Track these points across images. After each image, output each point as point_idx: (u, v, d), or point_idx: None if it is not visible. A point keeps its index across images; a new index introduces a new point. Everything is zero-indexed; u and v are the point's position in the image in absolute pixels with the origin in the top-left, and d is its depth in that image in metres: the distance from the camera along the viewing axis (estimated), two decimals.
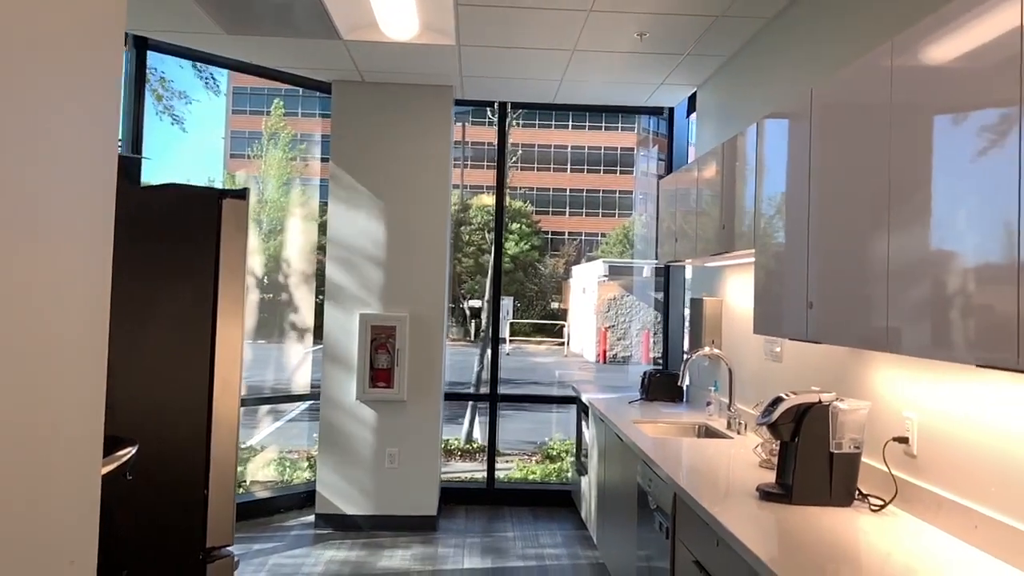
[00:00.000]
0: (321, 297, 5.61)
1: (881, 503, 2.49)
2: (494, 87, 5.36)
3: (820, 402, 2.57)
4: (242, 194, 2.40)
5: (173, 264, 2.38)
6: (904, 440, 2.49)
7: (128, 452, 1.96)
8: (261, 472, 6.43)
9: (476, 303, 16.74)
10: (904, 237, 2.00)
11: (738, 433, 3.87)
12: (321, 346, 5.30)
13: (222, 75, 6.87)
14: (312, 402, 5.77)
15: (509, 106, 5.86)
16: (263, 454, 6.72)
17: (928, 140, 1.93)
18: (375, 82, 5.24)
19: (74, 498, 1.27)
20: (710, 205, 3.72)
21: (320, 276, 5.99)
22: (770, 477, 2.91)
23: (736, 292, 4.29)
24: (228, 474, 2.36)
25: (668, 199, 4.60)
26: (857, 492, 2.55)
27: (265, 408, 6.83)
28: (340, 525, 5.13)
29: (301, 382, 6.29)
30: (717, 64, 4.62)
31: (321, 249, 6.14)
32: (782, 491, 2.58)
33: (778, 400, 2.64)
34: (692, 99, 5.44)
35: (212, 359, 2.32)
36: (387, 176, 5.25)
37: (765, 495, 2.61)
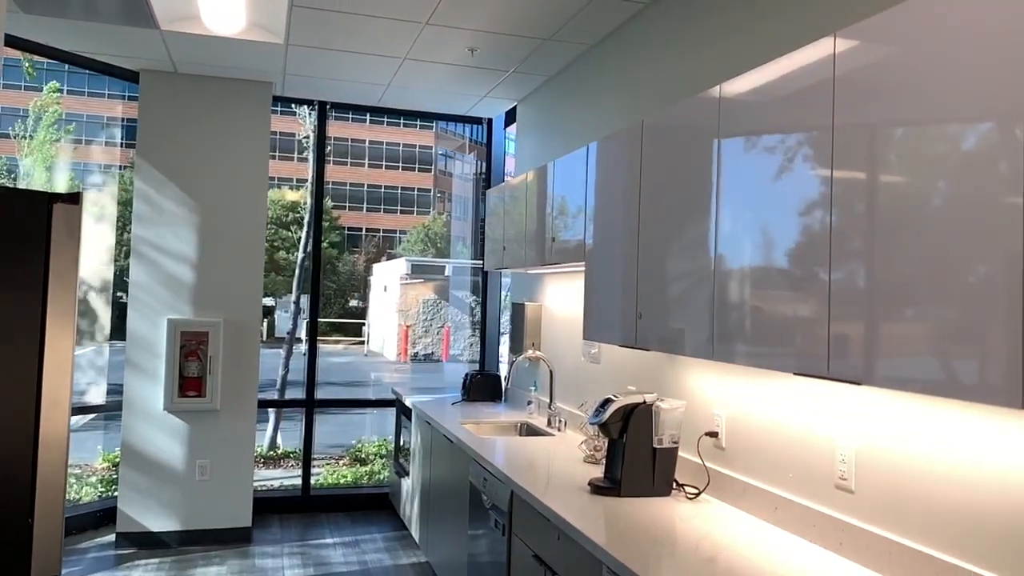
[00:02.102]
0: (121, 295, 5.21)
1: (696, 491, 2.81)
2: (317, 86, 5.27)
3: (644, 402, 2.85)
4: (75, 199, 2.22)
5: None
6: (715, 434, 2.82)
7: None
8: None
9: (269, 301, 16.10)
10: (725, 251, 2.29)
11: (559, 430, 4.13)
12: (119, 346, 4.92)
13: None
14: (109, 412, 5.34)
15: (329, 106, 5.78)
16: None
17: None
18: (189, 74, 4.96)
19: None
20: (536, 218, 3.95)
21: (119, 273, 5.56)
22: (595, 471, 3.16)
23: (555, 298, 4.56)
24: (56, 499, 2.18)
25: (494, 209, 4.79)
26: (675, 483, 2.85)
27: None
28: (145, 544, 4.81)
29: (97, 390, 5.79)
30: (539, 81, 4.88)
31: (119, 244, 5.69)
32: (611, 484, 2.83)
33: (607, 401, 2.89)
34: (511, 111, 5.68)
35: (40, 374, 2.13)
36: (200, 173, 4.99)
37: (596, 489, 2.84)
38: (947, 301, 1.53)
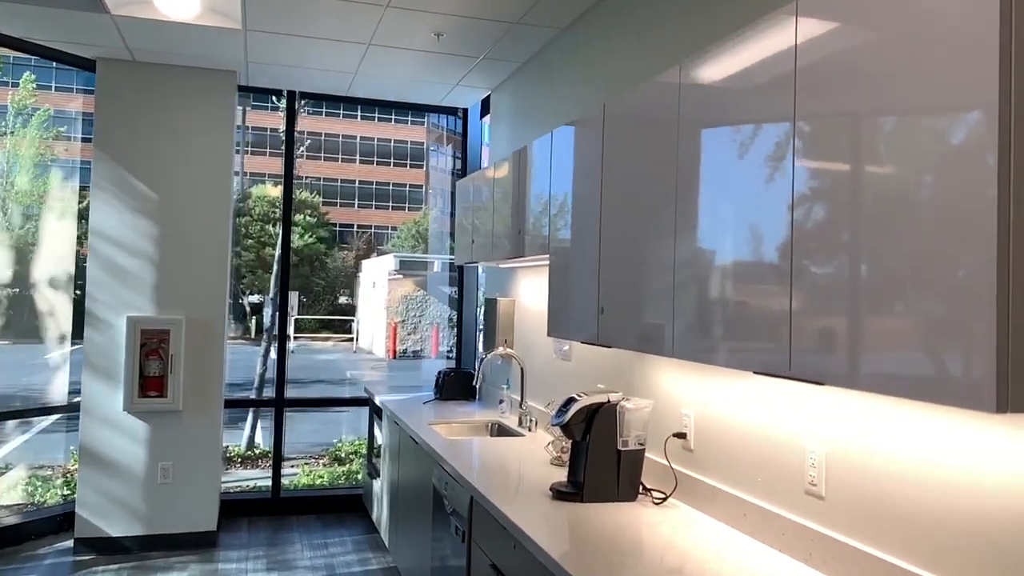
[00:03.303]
0: (80, 293, 5.03)
1: (663, 496, 2.66)
2: (283, 75, 5.09)
3: (609, 402, 2.69)
4: None
5: None
6: (683, 435, 2.67)
7: None
8: (7, 495, 5.66)
9: (256, 299, 15.93)
10: (686, 244, 2.14)
11: (529, 430, 3.98)
12: (80, 346, 4.75)
13: None
14: (70, 413, 5.16)
15: (298, 95, 5.60)
16: (9, 473, 5.92)
17: (698, 151, 2.07)
18: (148, 62, 4.77)
19: None
20: (504, 209, 3.79)
21: (80, 271, 5.38)
22: (561, 474, 3.01)
23: (528, 293, 4.41)
24: None
25: (464, 200, 4.63)
26: (641, 486, 2.70)
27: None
28: (105, 549, 4.63)
29: (57, 390, 5.62)
30: (511, 69, 4.71)
31: (80, 240, 5.51)
32: (574, 489, 2.67)
33: (570, 401, 2.73)
34: (486, 101, 5.52)
35: None
36: (160, 165, 4.81)
37: (558, 494, 2.68)
38: (914, 300, 1.38)
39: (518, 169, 3.64)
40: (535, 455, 3.42)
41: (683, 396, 2.72)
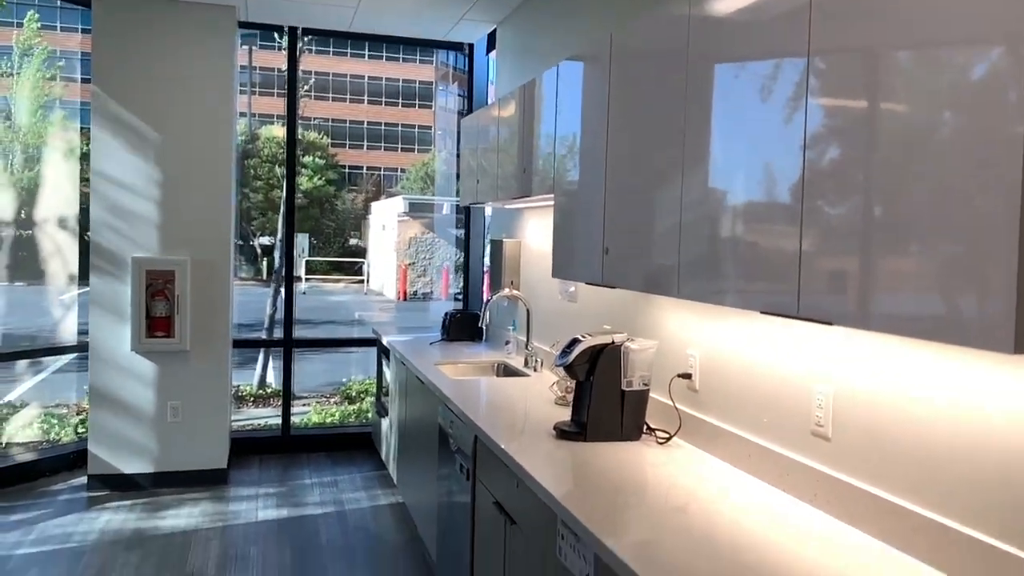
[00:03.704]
0: (88, 236, 5.01)
1: (667, 436, 2.64)
2: (283, 10, 4.96)
3: (613, 343, 2.66)
4: None
5: None
6: (688, 376, 2.64)
7: None
8: (22, 433, 5.75)
9: (267, 240, 15.90)
10: (694, 182, 2.07)
11: (535, 371, 3.97)
12: (87, 290, 4.75)
13: None
14: (81, 353, 5.19)
15: (300, 31, 5.46)
16: (24, 411, 6.01)
17: (711, 87, 1.99)
18: None
19: None
20: (510, 148, 3.70)
21: (85, 213, 5.35)
22: (566, 414, 3.00)
23: (534, 234, 4.35)
24: None
25: (469, 139, 4.54)
26: (645, 426, 2.69)
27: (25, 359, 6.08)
28: (118, 485, 4.71)
29: (67, 330, 5.65)
30: (516, 2, 4.56)
31: (85, 181, 5.47)
32: (577, 429, 2.66)
33: (575, 342, 2.70)
34: (492, 36, 5.36)
35: None
36: (161, 104, 4.72)
37: (561, 433, 2.68)
38: (931, 240, 1.32)
39: (524, 105, 3.54)
40: (540, 395, 3.41)
41: (689, 337, 2.68)
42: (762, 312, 1.76)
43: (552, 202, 3.58)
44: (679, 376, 2.67)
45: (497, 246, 4.67)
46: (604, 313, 3.38)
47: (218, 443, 4.92)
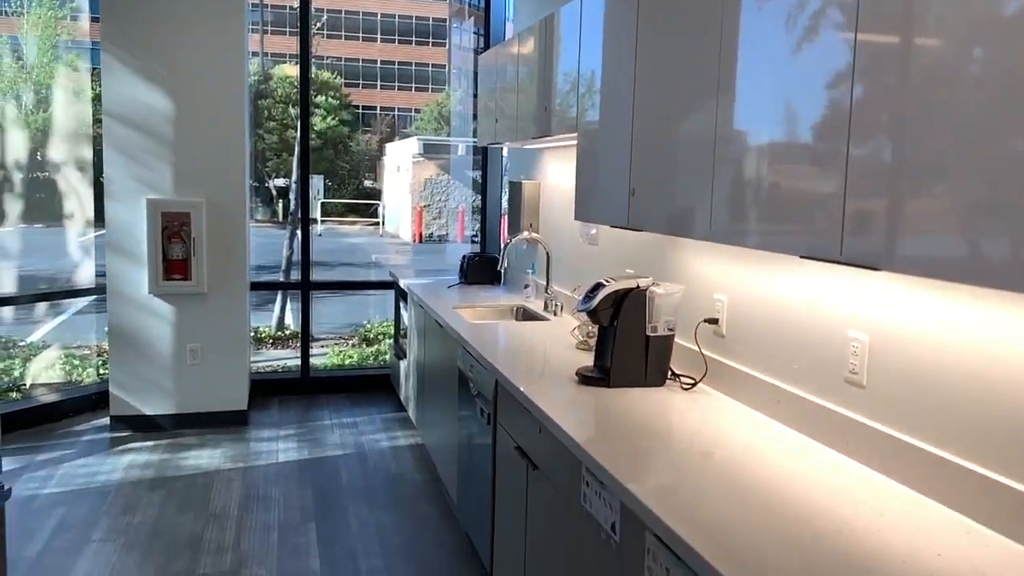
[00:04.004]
0: (102, 178, 4.97)
1: (692, 381, 2.60)
2: None
3: (638, 287, 2.59)
4: None
5: None
6: (714, 321, 2.58)
7: None
8: (45, 374, 5.81)
9: (282, 182, 15.81)
10: (728, 119, 1.97)
11: (555, 315, 3.92)
12: (103, 232, 4.72)
13: None
14: (100, 296, 5.19)
15: None
16: (46, 353, 6.06)
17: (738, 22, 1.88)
18: None
19: None
20: (530, 86, 3.58)
21: (99, 154, 5.29)
22: (587, 359, 2.96)
23: (554, 175, 4.25)
24: None
25: (487, 77, 4.41)
26: (670, 372, 2.64)
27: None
28: (139, 426, 4.76)
29: (85, 273, 5.65)
30: None
31: (98, 123, 5.39)
32: (600, 374, 2.62)
33: (598, 286, 2.64)
34: None
35: None
36: (171, 42, 4.60)
37: (584, 379, 2.63)
38: (979, 177, 1.23)
39: (544, 41, 3.41)
40: (561, 339, 3.37)
41: (716, 281, 2.61)
42: (803, 257, 1.68)
43: (574, 142, 3.49)
44: (705, 321, 2.60)
45: (516, 188, 4.58)
46: (626, 257, 3.31)
47: (238, 385, 4.94)
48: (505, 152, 5.59)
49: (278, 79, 16.43)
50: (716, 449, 2.03)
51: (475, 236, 6.18)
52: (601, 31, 2.79)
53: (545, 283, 4.11)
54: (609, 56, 2.73)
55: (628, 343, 2.58)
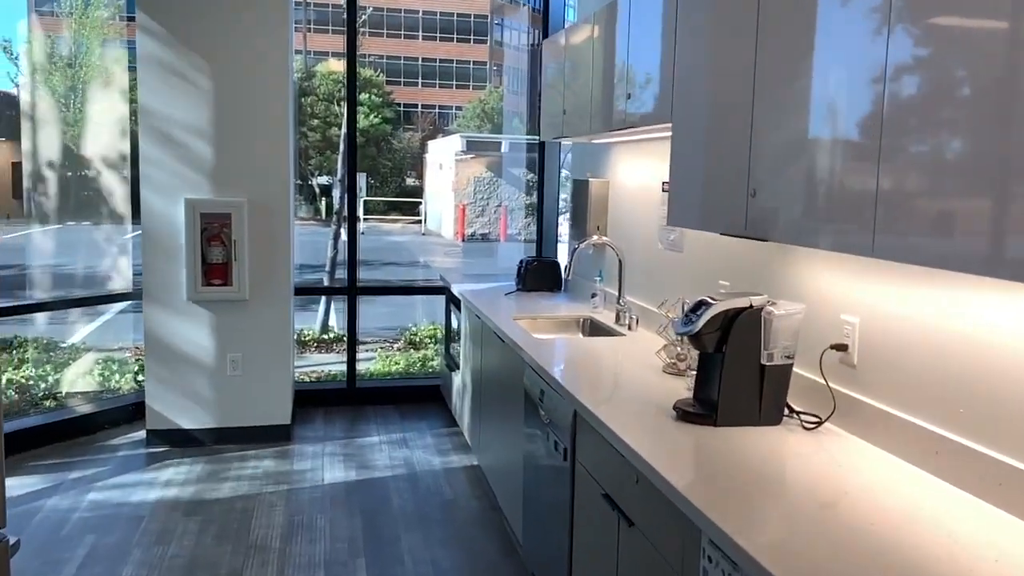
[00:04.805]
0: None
1: (816, 420, 2.18)
2: None
3: (751, 307, 2.18)
4: None
5: None
6: (843, 348, 2.16)
7: None
8: (81, 381, 5.58)
9: (325, 180, 15.62)
10: (895, 107, 1.55)
11: (629, 328, 3.51)
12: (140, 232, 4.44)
13: None
14: (137, 301, 4.93)
15: None
16: (83, 359, 5.83)
17: None
18: None
19: None
20: (607, 71, 3.18)
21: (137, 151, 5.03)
22: (678, 386, 2.56)
23: (627, 172, 3.84)
24: None
25: (552, 65, 4.01)
26: (788, 408, 2.22)
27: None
28: (177, 441, 4.47)
29: (123, 274, 5.39)
30: None
31: (135, 118, 5.13)
32: (704, 410, 2.21)
33: (702, 305, 2.23)
34: None
35: None
36: (212, 33, 4.29)
37: (684, 415, 2.23)
38: None
39: (624, 16, 3.00)
40: (642, 360, 2.96)
41: (844, 299, 2.18)
42: (990, 276, 1.26)
43: (652, 134, 3.08)
44: (832, 348, 2.18)
45: (581, 187, 4.18)
46: (718, 266, 2.89)
47: (281, 398, 4.63)
48: (565, 148, 5.20)
49: (322, 76, 16.31)
50: (841, 499, 1.64)
51: (518, 234, 5.81)
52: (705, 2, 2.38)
53: (617, 293, 3.70)
54: (720, 25, 2.32)
55: (739, 373, 2.17)
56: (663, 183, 3.32)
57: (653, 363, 2.89)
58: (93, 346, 6.16)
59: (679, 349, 2.74)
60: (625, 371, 2.84)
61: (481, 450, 4.09)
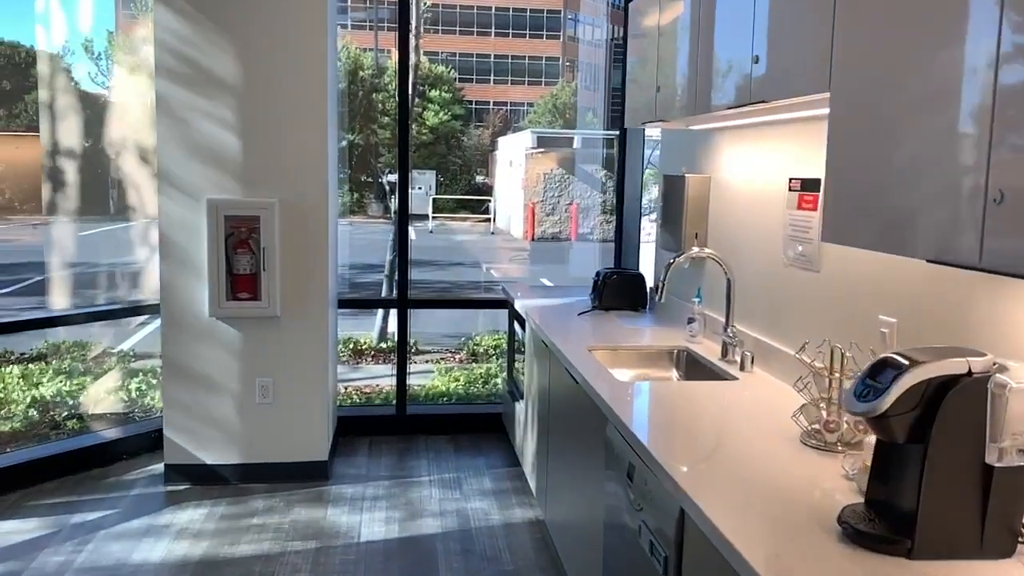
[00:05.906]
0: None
1: None
2: None
3: (970, 374, 1.39)
4: None
5: None
6: None
7: None
8: (112, 398, 5.09)
9: (394, 177, 15.23)
10: None
11: (742, 368, 2.72)
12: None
13: None
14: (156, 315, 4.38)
15: None
16: (108, 376, 5.35)
17: None
18: None
19: None
20: (723, 28, 2.40)
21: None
22: (827, 469, 1.80)
23: (737, 165, 3.05)
24: None
25: (643, 31, 3.25)
26: (1022, 533, 1.43)
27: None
28: (198, 478, 3.89)
29: (151, 284, 4.87)
30: None
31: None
32: (891, 533, 1.43)
33: (886, 366, 1.45)
34: None
35: None
36: (243, 11, 3.69)
37: (857, 535, 1.46)
38: None
39: None
40: (769, 421, 2.18)
41: None
42: None
43: (779, 115, 2.31)
44: None
45: (674, 184, 3.40)
46: (872, 294, 2.10)
47: (317, 429, 3.99)
48: (652, 138, 4.42)
49: (391, 72, 15.96)
50: None
51: (590, 233, 5.07)
52: None
53: (724, 320, 2.92)
54: None
55: (950, 478, 1.38)
56: (790, 179, 2.53)
57: (785, 427, 2.10)
58: (143, 353, 5.71)
59: (827, 415, 1.95)
60: (747, 440, 2.07)
61: (548, 502, 3.36)
